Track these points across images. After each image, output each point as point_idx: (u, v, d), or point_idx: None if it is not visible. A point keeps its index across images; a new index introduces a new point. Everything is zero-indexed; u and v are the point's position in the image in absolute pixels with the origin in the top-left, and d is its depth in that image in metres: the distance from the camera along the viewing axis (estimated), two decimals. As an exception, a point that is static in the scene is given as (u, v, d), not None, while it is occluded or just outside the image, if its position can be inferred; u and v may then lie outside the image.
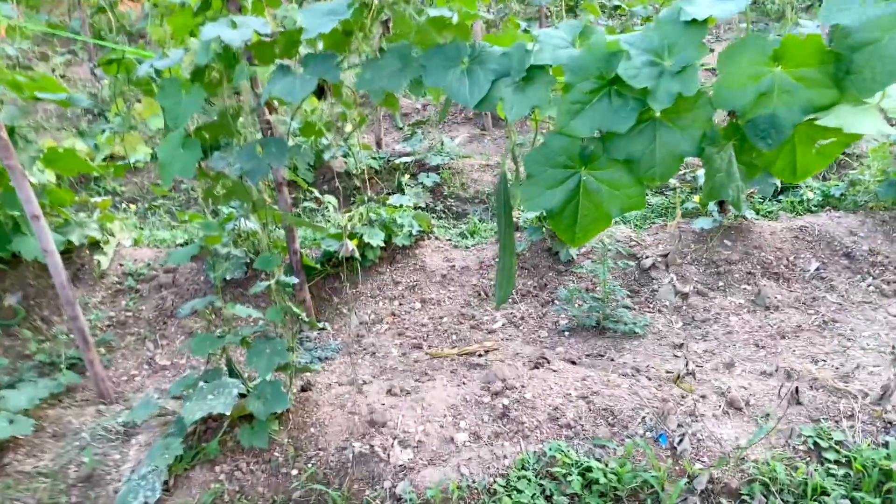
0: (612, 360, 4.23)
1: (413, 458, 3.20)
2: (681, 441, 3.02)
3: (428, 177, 6.65)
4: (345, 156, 6.54)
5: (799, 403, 2.69)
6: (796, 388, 2.70)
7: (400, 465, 3.16)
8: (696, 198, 5.77)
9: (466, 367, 4.18)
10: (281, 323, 3.39)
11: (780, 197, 6.06)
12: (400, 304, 5.00)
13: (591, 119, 2.10)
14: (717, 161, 2.19)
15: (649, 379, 3.78)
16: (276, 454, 3.28)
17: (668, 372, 3.91)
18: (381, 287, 5.13)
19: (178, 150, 3.02)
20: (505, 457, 3.20)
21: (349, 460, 3.20)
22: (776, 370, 3.72)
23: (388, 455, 3.20)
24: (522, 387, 3.55)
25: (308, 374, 4.05)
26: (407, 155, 6.89)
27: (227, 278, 4.98)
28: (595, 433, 3.27)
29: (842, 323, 4.57)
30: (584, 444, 3.25)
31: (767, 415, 3.39)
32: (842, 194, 5.81)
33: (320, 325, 4.84)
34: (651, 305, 4.92)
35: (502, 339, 4.62)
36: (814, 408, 3.41)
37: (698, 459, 3.16)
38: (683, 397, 3.46)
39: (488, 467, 3.15)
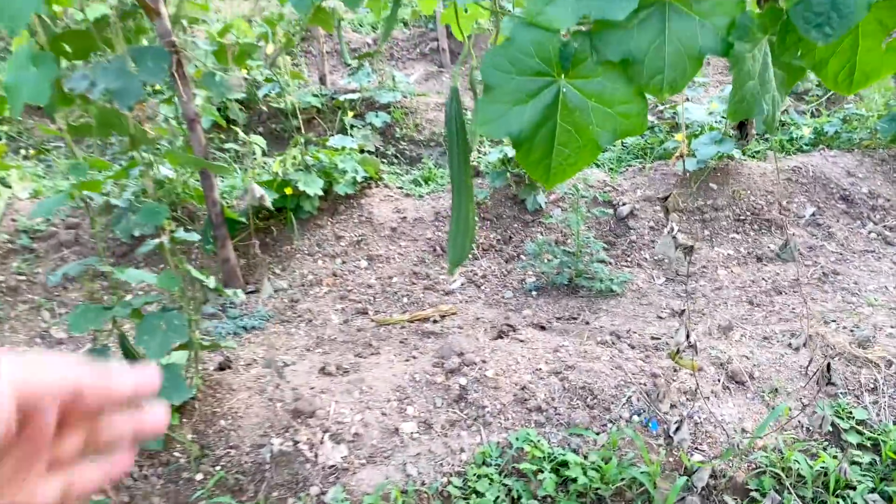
0: (588, 323, 3.64)
1: (347, 455, 2.57)
2: (678, 428, 2.44)
3: (377, 116, 5.89)
4: (279, 95, 5.74)
5: (832, 384, 2.15)
6: (828, 364, 2.13)
7: (331, 466, 2.53)
8: (678, 136, 5.14)
9: (419, 336, 3.55)
10: (178, 291, 2.70)
11: (768, 135, 5.47)
12: (343, 263, 4.33)
13: (574, 2, 1.42)
14: (748, 62, 1.52)
15: (632, 347, 3.20)
16: (175, 455, 2.62)
17: (653, 338, 3.33)
18: (320, 243, 4.44)
19: (27, 68, 2.27)
20: (462, 450, 2.60)
21: (267, 461, 2.56)
22: (786, 335, 3.16)
23: (317, 453, 2.56)
24: (483, 362, 2.93)
25: (226, 351, 3.38)
26: (353, 91, 6.11)
27: (136, 234, 4.23)
28: (571, 418, 2.68)
29: (843, 275, 4.04)
30: (558, 432, 2.66)
31: (776, 390, 2.83)
32: (836, 132, 5.25)
33: (248, 289, 4.14)
34: (629, 259, 4.32)
35: (461, 302, 3.99)
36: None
37: (696, 448, 2.59)
38: (675, 370, 2.88)
39: (441, 464, 2.54)
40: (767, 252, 4.29)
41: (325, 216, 4.58)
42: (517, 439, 2.61)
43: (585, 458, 2.57)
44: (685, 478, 2.40)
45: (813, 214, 4.55)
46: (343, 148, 4.73)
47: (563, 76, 1.40)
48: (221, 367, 3.28)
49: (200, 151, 3.90)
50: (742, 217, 4.52)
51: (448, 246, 1.61)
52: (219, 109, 6.09)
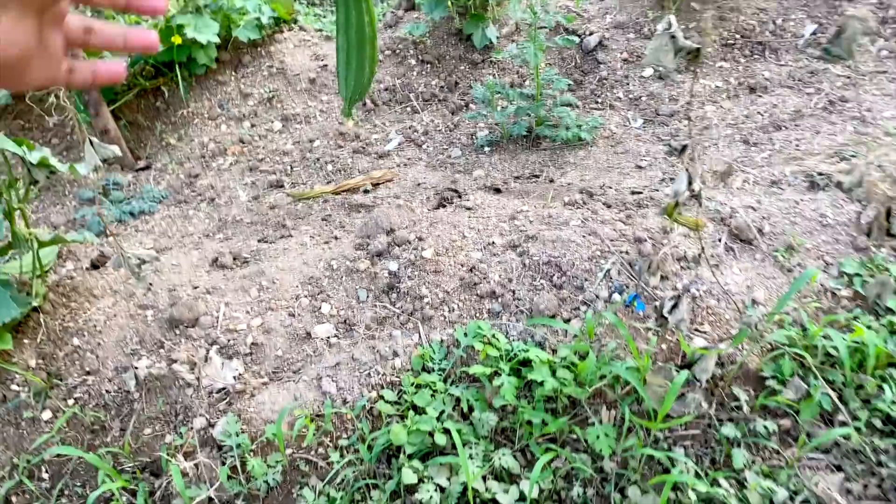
0: (552, 181, 2.97)
1: (243, 373, 1.95)
2: (674, 306, 1.84)
3: (291, -52, 4.85)
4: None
5: (892, 235, 1.55)
6: (889, 209, 1.52)
7: (220, 389, 1.90)
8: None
9: (345, 211, 2.86)
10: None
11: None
12: (252, 126, 3.53)
13: None
14: None
15: (608, 206, 2.55)
16: (14, 389, 1.97)
17: (634, 192, 2.68)
18: (223, 103, 3.62)
19: None
20: (395, 354, 1.98)
21: (134, 388, 1.92)
22: (799, 177, 2.52)
23: (200, 373, 1.93)
24: (419, 239, 2.26)
25: (104, 242, 2.66)
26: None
27: (-17, 107, 3.37)
28: (534, 303, 2.06)
29: (853, 102, 3.37)
30: (517, 323, 2.05)
31: (791, 247, 2.22)
32: (838, -67, 4.39)
33: (138, 165, 3.36)
34: (599, 99, 3.60)
35: (398, 165, 3.27)
36: (851, 231, 2.26)
37: (696, 331, 2.01)
38: (667, 231, 2.25)
39: (368, 375, 1.93)
40: (762, 81, 3.58)
41: (226, 70, 3.72)
42: (465, 335, 1.99)
43: (554, 352, 1.98)
44: (685, 371, 1.82)
45: (814, 33, 3.81)
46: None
47: None
48: (94, 266, 2.58)
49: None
50: (730, 41, 3.77)
51: (338, 71, 1.08)
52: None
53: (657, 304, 1.92)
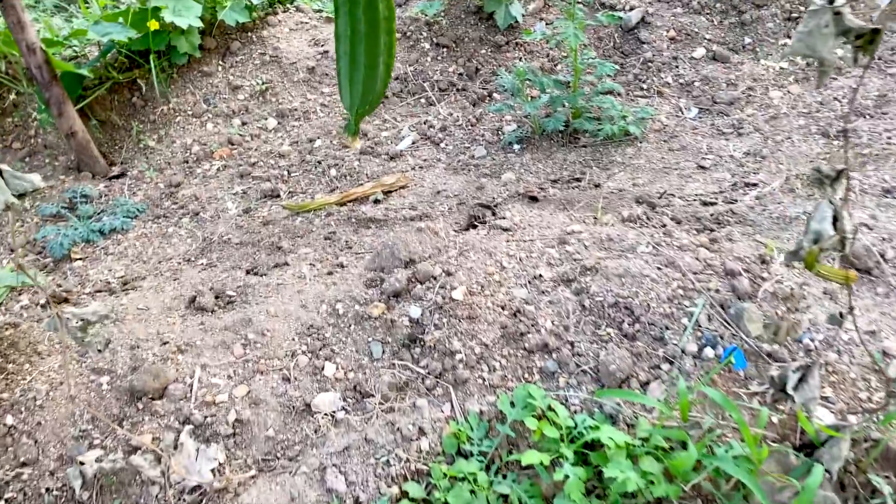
0: (598, 186, 2.48)
1: (222, 464, 1.48)
2: (801, 381, 1.36)
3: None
4: None
5: None
6: None
7: (194, 488, 1.44)
8: None
9: (353, 227, 2.39)
10: None
11: None
12: (243, 124, 3.05)
13: None
14: None
15: (678, 222, 2.06)
16: (-72, 488, 1.51)
17: (705, 203, 2.19)
18: (208, 97, 3.13)
19: None
20: (421, 433, 1.52)
21: (81, 488, 1.46)
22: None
23: (168, 466, 1.47)
24: (447, 273, 1.78)
25: (67, 270, 2.20)
26: None
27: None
28: (602, 361, 1.58)
29: (947, 85, 2.87)
30: (579, 388, 1.57)
31: (925, 279, 1.74)
32: None
33: (112, 172, 2.90)
34: (645, 85, 3.09)
35: (413, 168, 2.78)
36: None
37: (821, 395, 1.53)
38: (764, 262, 1.76)
39: (387, 463, 1.47)
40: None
41: (212, 59, 3.23)
42: (513, 405, 1.53)
43: (631, 428, 1.51)
44: (818, 467, 1.35)
45: (892, 1, 3.29)
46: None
47: None
48: (56, 300, 2.12)
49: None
50: (794, 13, 3.25)
51: (339, 73, 0.78)
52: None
53: (773, 374, 1.43)
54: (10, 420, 1.58)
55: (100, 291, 2.23)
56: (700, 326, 1.62)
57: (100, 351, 1.65)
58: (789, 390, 1.37)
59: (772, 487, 1.39)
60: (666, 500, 1.44)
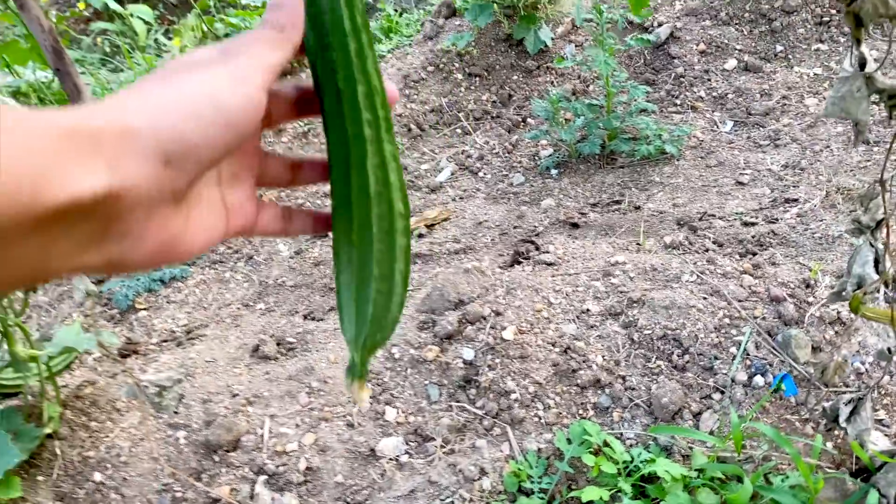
0: (638, 208, 2.52)
1: (298, 511, 1.57)
2: (853, 411, 1.39)
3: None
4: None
5: None
6: None
7: (272, 537, 1.53)
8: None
9: (399, 263, 2.46)
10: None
11: None
12: (287, 166, 3.16)
13: None
14: None
15: (720, 245, 2.09)
16: (29, 543, 1.64)
17: (745, 223, 2.21)
18: (253, 142, 3.26)
19: None
20: (482, 472, 1.58)
21: (170, 541, 1.56)
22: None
23: (247, 517, 1.56)
24: (496, 313, 1.85)
25: (132, 323, 2.33)
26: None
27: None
28: (654, 394, 1.63)
29: None
30: (633, 421, 1.62)
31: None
32: None
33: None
34: (678, 101, 3.12)
35: (454, 199, 2.86)
36: None
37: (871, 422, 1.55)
38: (808, 286, 1.78)
39: (451, 502, 1.53)
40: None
41: (254, 104, 3.36)
42: (569, 442, 1.58)
43: (686, 459, 1.55)
44: (867, 488, 1.38)
45: (925, -1, 3.25)
46: (265, 4, 3.40)
47: None
48: (124, 355, 2.25)
49: (44, 38, 2.65)
50: (825, 18, 3.24)
51: (341, 306, 0.52)
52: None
53: (826, 405, 1.46)
54: (98, 477, 1.69)
55: (166, 341, 2.35)
56: (748, 355, 1.65)
57: (176, 412, 1.76)
58: (842, 423, 1.40)
59: (830, 515, 1.41)
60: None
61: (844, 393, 1.48)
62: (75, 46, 4.43)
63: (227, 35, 3.23)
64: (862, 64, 1.02)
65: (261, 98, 0.44)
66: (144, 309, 2.61)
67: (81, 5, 3.76)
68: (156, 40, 3.64)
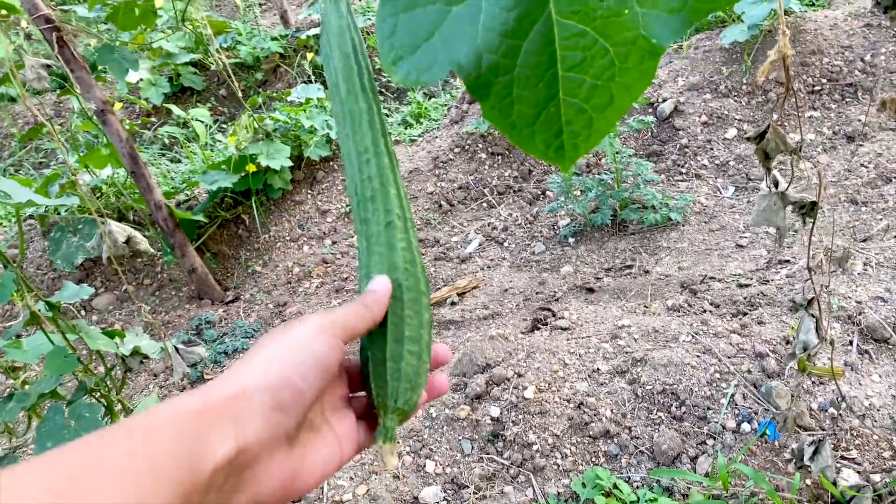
0: (647, 272, 2.80)
1: (355, 551, 1.86)
2: (816, 451, 1.64)
3: (349, 50, 4.94)
4: (230, 48, 4.81)
5: None
6: None
7: (334, 573, 1.82)
8: None
9: (435, 331, 2.78)
10: (82, 372, 1.95)
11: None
12: (333, 244, 3.53)
13: None
14: None
15: (716, 307, 2.36)
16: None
17: (741, 285, 2.48)
18: (302, 223, 3.64)
19: None
20: (510, 514, 1.85)
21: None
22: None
23: (313, 557, 1.85)
24: (518, 375, 2.14)
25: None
26: (317, 26, 5.14)
27: (81, 261, 3.50)
28: (655, 442, 1.89)
29: (970, 140, 3.08)
30: (638, 466, 1.89)
31: (937, 344, 1.98)
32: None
33: (227, 297, 3.41)
34: (683, 170, 3.42)
35: (482, 269, 3.18)
36: None
37: (843, 458, 1.79)
38: (788, 342, 2.05)
39: (485, 541, 1.81)
40: (858, 126, 3.32)
41: (302, 189, 3.76)
42: (584, 486, 1.85)
43: (685, 498, 1.80)
44: (840, 518, 1.62)
45: (910, 65, 3.53)
46: (308, 100, 3.85)
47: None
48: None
49: (122, 146, 3.09)
50: (817, 87, 3.53)
51: (372, 377, 0.64)
52: (170, 79, 5.23)
53: (795, 447, 1.72)
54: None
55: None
56: (736, 405, 1.91)
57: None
58: (806, 461, 1.65)
59: (808, 543, 1.65)
60: (720, 560, 1.71)
61: (815, 435, 1.72)
62: (137, 140, 4.94)
63: (275, 131, 3.65)
64: (776, 184, 1.32)
65: (339, 345, 0.56)
66: (211, 379, 2.96)
67: (143, 104, 4.24)
68: (212, 136, 4.10)
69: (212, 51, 3.18)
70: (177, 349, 1.63)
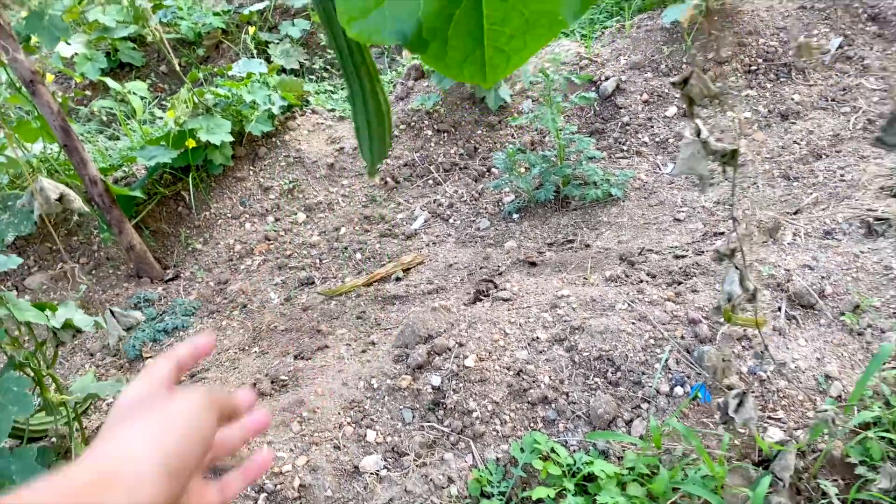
0: (588, 246, 2.84)
1: (294, 521, 1.85)
2: (740, 404, 1.69)
3: (294, 25, 4.86)
4: (171, 23, 4.66)
5: None
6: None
7: (273, 544, 1.81)
8: (658, -20, 4.15)
9: (380, 305, 2.77)
10: (10, 343, 1.89)
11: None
12: (276, 221, 3.48)
13: None
14: None
15: (653, 277, 2.41)
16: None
17: (677, 256, 2.54)
18: (244, 199, 3.58)
19: None
20: (450, 481, 1.87)
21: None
22: (853, 224, 2.36)
23: (251, 528, 1.84)
24: (460, 345, 2.15)
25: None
26: (260, 1, 5.04)
27: (10, 240, 3.38)
28: (591, 406, 1.93)
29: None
30: (576, 430, 1.92)
31: (858, 307, 2.06)
32: (849, -64, 4.22)
33: (167, 276, 3.33)
34: (625, 147, 3.47)
35: (427, 245, 3.18)
36: (926, 278, 2.09)
37: (769, 418, 1.86)
38: (720, 308, 2.10)
39: (425, 507, 1.82)
40: (793, 106, 3.42)
41: (244, 165, 3.69)
42: (522, 451, 1.87)
43: (620, 460, 1.85)
44: (766, 476, 1.68)
45: (840, 46, 3.65)
46: (250, 75, 3.76)
47: None
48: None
49: (54, 118, 2.98)
50: (754, 67, 3.62)
51: (359, 142, 1.05)
52: (108, 54, 5.06)
53: (718, 402, 1.77)
54: None
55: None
56: (670, 370, 1.96)
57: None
58: (731, 413, 1.70)
59: (734, 499, 1.71)
60: (652, 517, 1.76)
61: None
62: (74, 116, 4.77)
63: (216, 105, 3.57)
64: (698, 132, 1.35)
65: (216, 422, 0.61)
66: (150, 357, 2.89)
67: (78, 78, 4.10)
68: (151, 112, 3.98)
69: (150, 24, 3.09)
70: (112, 312, 1.59)
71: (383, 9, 0.63)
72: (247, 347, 2.76)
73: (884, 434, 1.76)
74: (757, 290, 1.56)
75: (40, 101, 2.95)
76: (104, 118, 4.70)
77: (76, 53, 4.72)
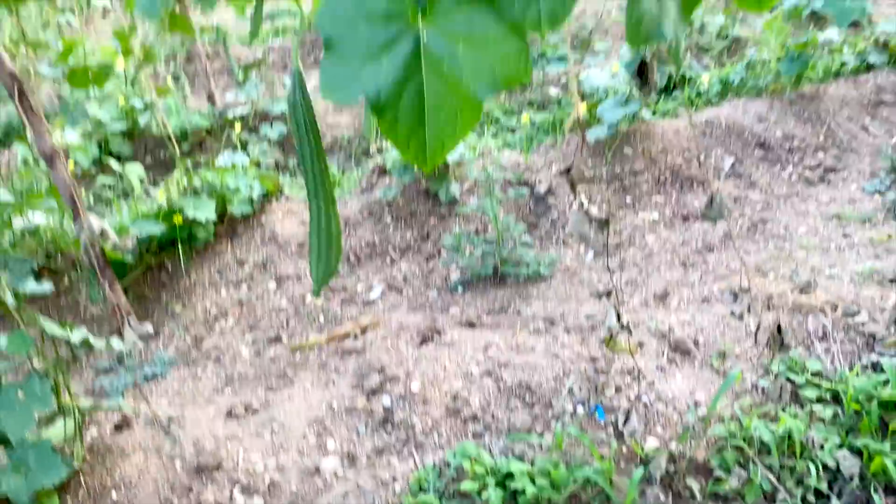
0: (519, 313, 3.38)
1: (264, 509, 2.22)
2: (626, 419, 2.19)
3: (272, 128, 5.51)
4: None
5: (785, 346, 1.93)
6: (779, 326, 1.92)
7: (245, 526, 2.18)
8: (584, 105, 4.94)
9: (339, 357, 3.21)
10: (36, 353, 2.29)
11: (675, 93, 5.35)
12: (249, 289, 3.94)
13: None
14: (638, -20, 1.27)
15: (568, 331, 2.94)
16: (60, 545, 2.22)
17: (588, 317, 3.09)
18: (221, 270, 4.04)
19: None
20: (394, 479, 2.28)
21: (169, 533, 2.18)
22: (725, 293, 2.96)
23: (227, 513, 2.20)
24: (407, 375, 2.62)
25: (122, 408, 2.96)
26: (242, 105, 5.71)
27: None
28: (511, 422, 2.40)
29: (772, 222, 3.91)
30: (498, 440, 2.37)
31: (723, 354, 2.62)
32: (741, 80, 5.15)
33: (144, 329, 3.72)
34: (553, 238, 4.09)
35: (383, 310, 3.67)
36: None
37: (650, 433, 2.35)
38: (610, 357, 2.63)
39: (373, 500, 2.22)
40: (693, 210, 4.12)
41: (223, 241, 4.18)
42: (455, 456, 2.31)
43: (532, 464, 2.30)
44: (643, 468, 2.15)
45: (732, 165, 4.42)
46: (234, 166, 4.34)
47: (420, 18, 1.04)
48: (119, 427, 2.87)
49: (66, 191, 3.46)
50: (662, 178, 4.35)
51: (310, 262, 1.23)
52: (100, 145, 5.60)
53: (613, 416, 2.27)
54: (114, 495, 2.31)
55: (152, 423, 2.99)
56: (574, 394, 2.45)
57: (177, 439, 2.42)
58: (620, 427, 2.20)
59: (621, 489, 2.17)
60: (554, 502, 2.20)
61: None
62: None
63: (202, 188, 4.11)
64: (581, 205, 1.93)
65: None
66: (147, 400, 3.24)
67: (71, 164, 4.60)
68: (147, 191, 4.49)
69: (157, 115, 3.63)
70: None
71: (356, 79, 0.84)
72: (220, 389, 3.15)
73: (737, 445, 2.27)
74: (629, 324, 2.10)
75: (56, 174, 3.44)
76: (92, 200, 5.18)
77: (68, 143, 5.25)
